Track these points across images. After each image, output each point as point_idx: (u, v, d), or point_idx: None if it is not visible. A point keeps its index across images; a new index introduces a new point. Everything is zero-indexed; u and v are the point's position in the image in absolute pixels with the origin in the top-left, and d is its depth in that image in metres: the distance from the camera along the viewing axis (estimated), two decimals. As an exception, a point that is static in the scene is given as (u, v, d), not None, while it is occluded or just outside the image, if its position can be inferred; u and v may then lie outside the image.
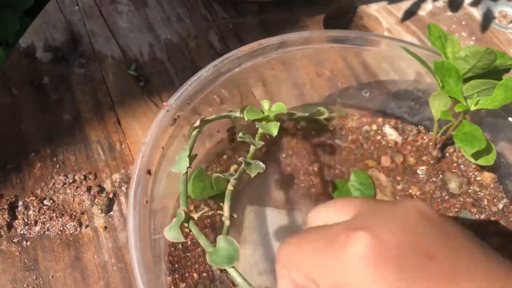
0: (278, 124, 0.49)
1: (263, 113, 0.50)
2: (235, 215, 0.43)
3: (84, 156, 0.58)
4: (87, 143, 0.59)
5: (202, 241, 0.37)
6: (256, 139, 0.48)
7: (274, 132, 0.48)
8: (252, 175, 0.43)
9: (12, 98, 0.62)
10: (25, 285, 0.49)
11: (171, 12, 0.72)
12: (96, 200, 0.54)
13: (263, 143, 0.47)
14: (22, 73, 0.64)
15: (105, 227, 0.53)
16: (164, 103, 0.43)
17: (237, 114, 0.49)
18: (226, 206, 0.41)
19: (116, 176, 0.56)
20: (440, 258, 0.25)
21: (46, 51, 0.67)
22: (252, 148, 0.47)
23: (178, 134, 0.45)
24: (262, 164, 0.44)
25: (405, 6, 0.77)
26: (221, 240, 0.36)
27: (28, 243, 0.52)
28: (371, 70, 0.66)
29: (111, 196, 0.55)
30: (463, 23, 0.75)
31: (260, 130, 0.48)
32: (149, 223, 0.39)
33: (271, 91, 0.62)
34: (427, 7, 0.77)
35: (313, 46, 0.52)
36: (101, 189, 0.55)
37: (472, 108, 0.47)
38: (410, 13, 0.76)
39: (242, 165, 0.43)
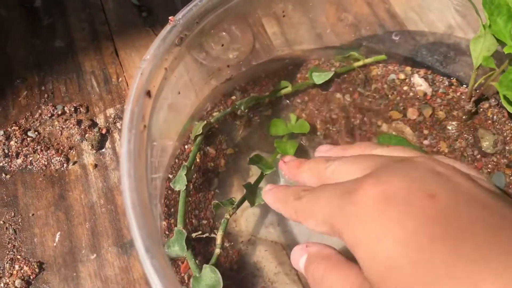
0: (296, 145, 0.46)
1: (286, 126, 0.48)
2: (227, 244, 0.42)
3: (76, 87, 0.52)
4: (80, 73, 0.52)
5: (192, 265, 0.38)
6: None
7: (290, 153, 0.46)
8: (252, 206, 0.42)
9: (0, 19, 0.56)
10: (1, 222, 0.44)
11: None
12: (86, 135, 0.48)
13: (274, 169, 0.44)
14: (12, -6, 0.58)
15: (95, 165, 0.47)
16: (169, 17, 0.37)
17: (242, 107, 0.47)
18: (219, 235, 0.40)
19: (111, 111, 0.50)
20: (442, 198, 0.25)
21: (40, -28, 0.60)
22: (260, 174, 0.44)
23: (185, 57, 0.39)
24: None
25: (437, -45, 0.70)
26: (206, 269, 0.37)
27: (8, 176, 0.46)
28: (398, 19, 0.59)
29: (103, 132, 0.49)
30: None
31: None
32: (146, 153, 0.33)
33: (287, 31, 0.56)
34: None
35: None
36: (93, 124, 0.49)
37: (522, 53, 0.41)
38: (442, -37, 0.70)
39: (244, 193, 0.41)
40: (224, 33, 0.51)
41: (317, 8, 0.54)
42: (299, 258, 0.34)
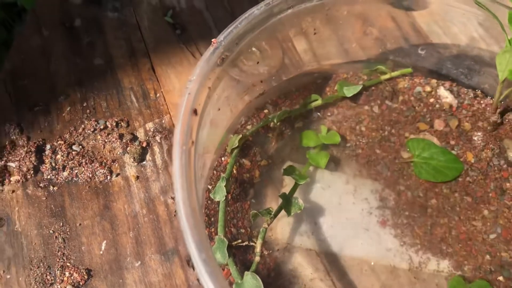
0: (328, 155, 0.49)
1: (318, 138, 0.50)
2: (264, 252, 0.45)
3: (116, 103, 0.54)
4: (119, 89, 0.55)
5: (234, 272, 0.40)
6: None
7: (322, 164, 0.48)
8: (289, 215, 0.44)
9: (42, 39, 0.59)
10: (51, 231, 0.47)
11: (210, -40, 0.68)
12: (128, 148, 0.51)
13: (308, 180, 0.46)
14: (53, 14, 0.61)
15: (137, 177, 0.50)
16: (212, 40, 0.40)
17: (275, 120, 0.49)
18: (258, 243, 0.42)
19: (150, 125, 0.53)
20: None
21: (78, -7, 0.63)
22: (294, 184, 0.46)
23: (225, 76, 0.42)
24: (301, 203, 0.44)
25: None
26: (248, 276, 0.39)
27: (55, 188, 0.49)
28: (422, 32, 0.61)
29: (144, 145, 0.51)
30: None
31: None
32: (194, 167, 0.35)
33: (315, 47, 0.58)
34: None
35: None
36: (134, 138, 0.52)
37: (546, 67, 0.43)
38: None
39: (280, 203, 0.44)
40: (254, 49, 0.54)
41: (344, 24, 0.56)
42: None
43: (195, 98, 0.37)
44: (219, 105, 0.43)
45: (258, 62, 0.52)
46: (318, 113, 0.53)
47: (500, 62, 0.46)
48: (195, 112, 0.37)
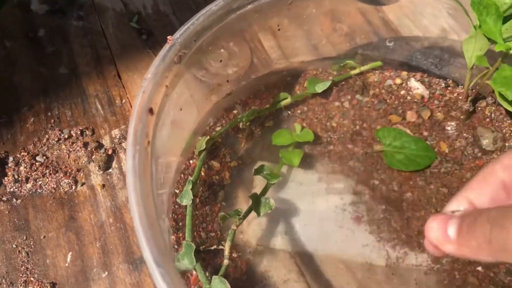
0: (302, 153, 0.47)
1: (291, 136, 0.49)
2: (235, 255, 0.43)
3: (81, 111, 0.53)
4: (84, 97, 0.54)
5: (201, 277, 0.39)
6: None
7: (296, 163, 0.47)
8: (259, 215, 0.42)
9: (5, 50, 0.57)
10: (14, 246, 0.45)
11: (176, -35, 0.67)
12: (93, 156, 0.49)
13: (280, 179, 0.45)
14: (16, 25, 0.60)
15: (103, 185, 0.48)
16: (168, 37, 0.39)
17: (244, 120, 0.48)
18: (227, 246, 0.41)
19: (116, 132, 0.51)
20: None
21: (41, 3, 0.62)
22: (266, 184, 0.45)
23: (185, 74, 0.41)
24: (272, 202, 0.43)
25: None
26: (216, 280, 0.38)
27: (19, 201, 0.47)
28: (392, 26, 0.61)
29: (110, 152, 0.50)
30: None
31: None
32: (151, 168, 0.34)
33: (284, 45, 0.57)
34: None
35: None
36: (99, 145, 0.50)
37: (513, 50, 0.42)
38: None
39: (250, 204, 0.42)
40: (222, 50, 0.52)
41: (312, 20, 0.55)
42: (444, 227, 0.27)
43: (151, 97, 0.36)
44: (180, 105, 0.42)
45: (221, 61, 0.51)
46: (289, 111, 0.52)
47: (467, 48, 0.45)
48: (150, 111, 0.35)
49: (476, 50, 0.44)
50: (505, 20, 0.42)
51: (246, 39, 0.57)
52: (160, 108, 0.37)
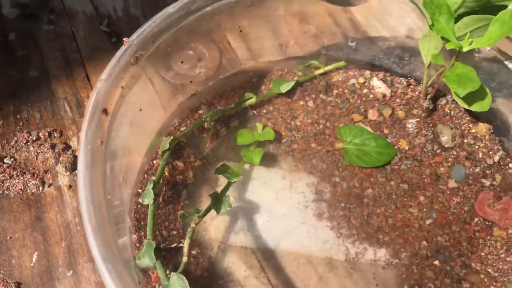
0: (262, 152, 0.48)
1: (252, 135, 0.50)
2: (195, 252, 0.44)
3: (50, 113, 0.54)
4: (53, 99, 0.55)
5: (161, 274, 0.39)
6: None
7: (256, 161, 0.47)
8: (218, 213, 0.43)
9: (-25, 54, 0.58)
10: (-20, 246, 0.45)
11: (148, -31, 0.68)
12: (61, 158, 0.50)
13: (240, 177, 0.46)
14: (-14, 29, 0.60)
15: (70, 186, 0.49)
16: (124, 39, 0.39)
17: (208, 119, 0.49)
18: (186, 243, 0.41)
19: (84, 134, 0.52)
20: None
21: (12, 7, 0.63)
22: (227, 183, 0.45)
23: (142, 76, 0.41)
24: (231, 200, 0.44)
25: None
26: (174, 276, 0.38)
27: (-14, 202, 0.48)
28: (360, 27, 0.61)
29: (77, 153, 0.51)
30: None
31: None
32: (104, 167, 0.35)
33: (252, 46, 0.58)
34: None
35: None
36: (67, 147, 0.51)
37: (466, 48, 0.43)
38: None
39: (210, 203, 0.43)
40: (191, 52, 0.53)
41: (280, 21, 0.56)
42: None
43: (105, 98, 0.36)
44: (140, 106, 0.43)
45: (190, 62, 0.52)
46: (254, 111, 0.53)
47: (423, 47, 0.46)
48: (104, 111, 0.36)
49: (431, 49, 0.45)
50: (458, 19, 0.43)
51: (215, 40, 0.58)
52: (115, 108, 0.38)
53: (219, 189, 0.47)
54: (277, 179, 0.49)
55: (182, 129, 0.51)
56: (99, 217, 0.31)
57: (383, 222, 0.46)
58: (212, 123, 0.50)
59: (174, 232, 0.45)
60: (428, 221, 0.46)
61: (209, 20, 0.46)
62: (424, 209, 0.46)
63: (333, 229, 0.46)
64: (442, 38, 0.44)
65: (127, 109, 0.40)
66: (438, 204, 0.46)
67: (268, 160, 0.50)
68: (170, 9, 0.42)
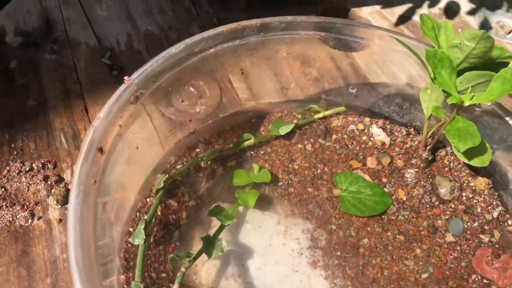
0: (257, 194, 0.47)
1: (249, 177, 0.49)
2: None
3: (45, 144, 0.53)
4: (49, 130, 0.54)
5: None
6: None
7: (251, 204, 0.47)
8: (209, 257, 0.42)
9: (-26, 80, 0.58)
10: (-38, 279, 0.44)
11: (153, 4, 0.69)
12: (53, 190, 0.49)
13: (234, 220, 0.45)
14: (-12, 56, 0.60)
15: (60, 220, 0.48)
16: (125, 77, 0.39)
17: (205, 159, 0.48)
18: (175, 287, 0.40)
19: (78, 167, 0.51)
20: None
21: (16, 36, 0.63)
22: (220, 225, 0.44)
23: (141, 114, 0.41)
24: (224, 244, 0.43)
25: (399, 11, 0.74)
26: None
27: (-28, 233, 0.47)
28: (361, 72, 0.62)
29: (69, 187, 0.50)
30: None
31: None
32: (95, 207, 0.34)
33: (253, 86, 0.58)
34: (423, 11, 0.74)
35: (295, 32, 0.48)
36: (60, 179, 0.50)
37: (467, 103, 0.43)
38: (404, 18, 0.73)
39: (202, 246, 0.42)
40: (192, 89, 0.53)
41: (282, 63, 0.56)
42: None
43: (101, 136, 0.36)
44: (136, 143, 0.42)
45: (191, 100, 0.52)
46: (252, 152, 0.52)
47: (424, 99, 0.46)
48: (100, 150, 0.35)
49: (433, 101, 0.45)
50: (460, 73, 0.44)
51: (217, 79, 0.58)
52: (111, 147, 0.37)
53: (212, 231, 0.46)
54: (272, 224, 0.48)
55: (178, 167, 0.50)
56: (86, 260, 0.30)
57: (378, 274, 0.45)
58: (208, 162, 0.50)
59: (164, 275, 0.43)
60: (424, 275, 0.45)
61: (211, 61, 0.46)
62: (420, 263, 0.45)
63: (327, 279, 0.45)
64: (444, 91, 0.44)
65: (123, 147, 0.39)
66: (435, 258, 0.46)
67: (264, 203, 0.49)
68: (173, 49, 0.42)
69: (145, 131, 0.44)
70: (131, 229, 0.45)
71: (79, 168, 0.33)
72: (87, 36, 0.63)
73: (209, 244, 0.42)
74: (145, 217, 0.43)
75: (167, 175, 0.47)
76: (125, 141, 0.39)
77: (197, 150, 0.52)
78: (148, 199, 0.47)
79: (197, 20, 0.67)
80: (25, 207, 0.48)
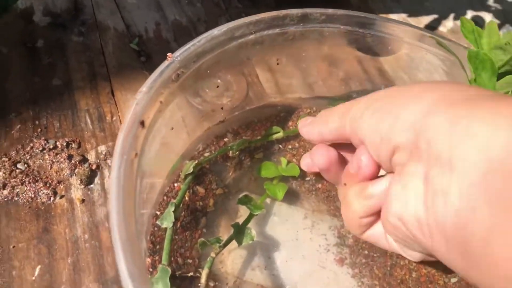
0: (286, 187, 0.47)
1: (277, 169, 0.48)
2: (212, 284, 0.41)
3: (70, 123, 0.52)
4: (75, 110, 0.53)
5: None
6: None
7: (280, 196, 0.46)
8: (240, 245, 0.42)
9: (0, 56, 0.57)
10: (-20, 253, 0.43)
11: (182, -5, 0.69)
12: (76, 170, 0.48)
13: (263, 210, 0.44)
14: (15, 33, 0.60)
15: (83, 200, 0.47)
16: (168, 54, 0.38)
17: (234, 148, 0.48)
18: (204, 273, 0.39)
19: (102, 148, 0.50)
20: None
21: (44, 16, 0.62)
22: (249, 214, 0.44)
23: (180, 95, 0.40)
24: (254, 233, 0.42)
25: (425, 20, 0.74)
26: None
27: (-8, 207, 0.45)
28: (388, 77, 0.62)
29: (93, 167, 0.49)
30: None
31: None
32: (135, 181, 0.33)
33: (280, 81, 0.58)
34: (448, 24, 0.75)
35: (335, 26, 0.48)
36: (84, 160, 0.49)
37: (506, 106, 0.43)
38: (430, 28, 0.73)
39: (232, 233, 0.41)
40: (219, 80, 0.53)
41: (309, 61, 0.56)
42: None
43: (143, 110, 0.35)
44: (172, 124, 0.41)
45: (217, 91, 0.51)
46: (280, 145, 0.51)
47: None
48: (142, 123, 0.35)
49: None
50: (500, 76, 0.43)
51: (244, 72, 0.57)
52: (151, 122, 0.36)
53: (238, 220, 0.45)
54: (299, 218, 0.47)
55: (206, 154, 0.49)
56: (130, 233, 0.29)
57: (406, 275, 0.44)
58: (237, 152, 0.49)
59: (190, 261, 0.42)
60: (453, 279, 0.44)
61: (249, 49, 0.45)
62: (450, 266, 0.44)
63: (355, 277, 0.44)
64: (482, 93, 0.44)
65: (161, 125, 0.38)
66: (464, 262, 0.45)
67: (290, 197, 0.48)
68: (216, 31, 0.41)
69: (179, 113, 0.43)
70: (158, 213, 0.44)
71: (122, 137, 0.32)
72: (115, 21, 0.63)
73: (239, 232, 0.41)
74: (174, 200, 0.42)
75: (196, 161, 0.46)
76: (163, 119, 0.38)
77: (225, 139, 0.51)
78: (175, 184, 0.46)
79: (225, 15, 0.67)
80: (48, 185, 0.47)
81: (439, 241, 0.26)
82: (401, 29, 0.49)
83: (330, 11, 0.47)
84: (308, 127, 0.39)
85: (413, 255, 0.35)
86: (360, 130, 0.32)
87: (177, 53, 0.39)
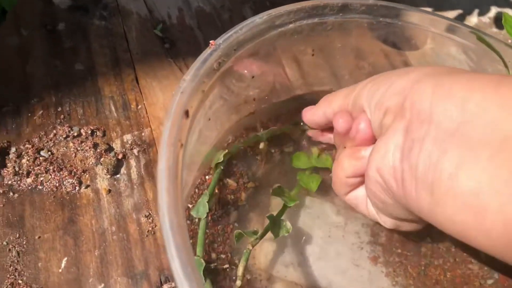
0: (320, 179, 0.46)
1: (309, 160, 0.48)
2: (248, 276, 0.40)
3: (94, 111, 0.50)
4: (98, 97, 0.51)
5: None
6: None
7: (314, 188, 0.45)
8: (276, 237, 0.40)
9: (20, 38, 0.55)
10: (5, 243, 0.41)
11: (206, -18, 0.66)
12: (102, 159, 0.47)
13: (297, 201, 0.42)
14: (35, 15, 0.57)
15: (109, 190, 0.45)
16: (210, 41, 0.37)
17: (265, 137, 0.47)
18: (241, 265, 0.38)
19: (128, 137, 0.49)
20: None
21: (65, -2, 0.60)
22: (283, 206, 0.42)
23: (220, 84, 0.39)
24: (289, 226, 0.41)
25: (450, 15, 0.73)
26: None
27: (16, 195, 0.44)
28: (414, 71, 0.60)
29: (120, 157, 0.47)
30: (510, 41, 0.71)
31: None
32: (181, 172, 0.31)
33: (307, 73, 0.56)
34: (472, 20, 0.73)
35: (372, 17, 0.46)
36: (109, 148, 0.48)
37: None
38: (454, 24, 0.72)
39: (267, 224, 0.40)
40: (245, 71, 0.51)
41: (337, 54, 0.55)
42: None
43: (188, 99, 0.33)
44: (210, 115, 0.40)
45: (244, 82, 0.49)
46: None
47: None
48: (186, 113, 0.33)
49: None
50: (545, 74, 0.42)
51: (271, 65, 0.56)
52: (194, 113, 0.35)
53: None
54: (331, 214, 0.46)
55: (235, 143, 0.48)
56: (181, 227, 0.27)
57: (441, 276, 0.43)
58: (266, 144, 0.47)
59: (223, 256, 0.41)
60: (489, 281, 0.43)
61: (289, 38, 0.44)
62: (485, 267, 0.44)
63: (388, 276, 0.43)
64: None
65: (201, 115, 0.37)
66: (500, 263, 0.44)
67: (322, 192, 0.47)
68: (257, 19, 0.40)
69: (216, 104, 0.42)
70: (190, 206, 0.43)
71: (169, 128, 0.31)
72: (138, 6, 0.61)
73: (275, 224, 0.40)
74: (207, 191, 0.41)
75: (226, 150, 0.44)
76: (203, 110, 0.37)
77: (255, 132, 0.49)
78: (207, 177, 0.45)
79: (249, 2, 0.65)
80: (72, 174, 0.45)
81: (410, 184, 0.31)
82: (448, 25, 0.47)
83: (370, 1, 0.45)
84: (314, 109, 0.45)
85: (387, 222, 0.40)
86: (361, 98, 0.37)
87: (220, 40, 0.37)
